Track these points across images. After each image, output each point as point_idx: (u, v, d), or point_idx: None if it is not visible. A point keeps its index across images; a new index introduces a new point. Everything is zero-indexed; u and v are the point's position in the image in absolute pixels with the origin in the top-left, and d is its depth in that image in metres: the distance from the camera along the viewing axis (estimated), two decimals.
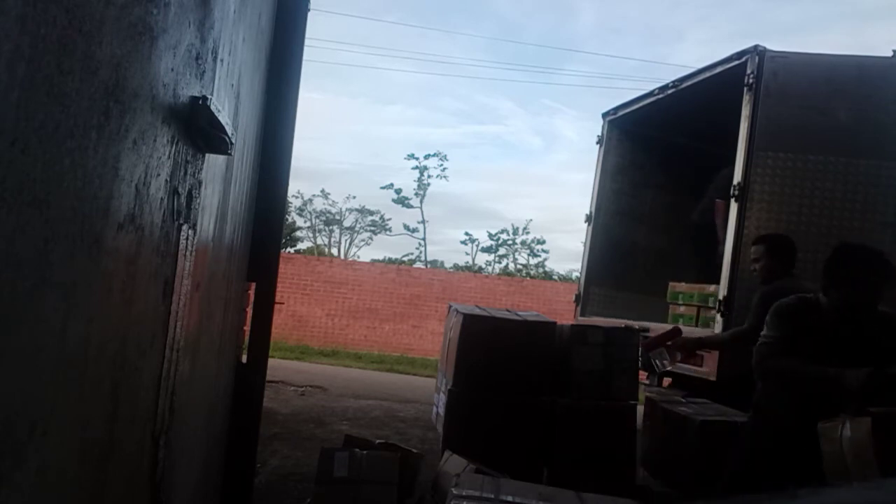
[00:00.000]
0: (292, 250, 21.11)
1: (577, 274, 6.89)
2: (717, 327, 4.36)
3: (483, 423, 3.28)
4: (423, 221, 27.26)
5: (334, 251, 27.83)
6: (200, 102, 1.62)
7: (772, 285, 3.48)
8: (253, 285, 3.05)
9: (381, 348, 13.10)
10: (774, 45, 5.66)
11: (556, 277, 25.78)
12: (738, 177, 4.40)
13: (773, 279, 3.51)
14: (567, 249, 42.54)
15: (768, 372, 2.75)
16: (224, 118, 1.75)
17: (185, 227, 1.67)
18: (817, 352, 2.58)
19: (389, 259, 26.86)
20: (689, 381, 4.50)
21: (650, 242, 6.34)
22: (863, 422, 2.33)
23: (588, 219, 6.23)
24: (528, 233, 28.07)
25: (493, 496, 2.15)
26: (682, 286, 5.37)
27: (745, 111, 4.41)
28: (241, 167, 2.54)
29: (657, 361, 3.76)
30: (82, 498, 1.23)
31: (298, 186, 27.06)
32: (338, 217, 28.24)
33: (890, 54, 4.37)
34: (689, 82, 5.11)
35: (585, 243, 6.28)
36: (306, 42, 3.19)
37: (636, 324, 4.84)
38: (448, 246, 45.27)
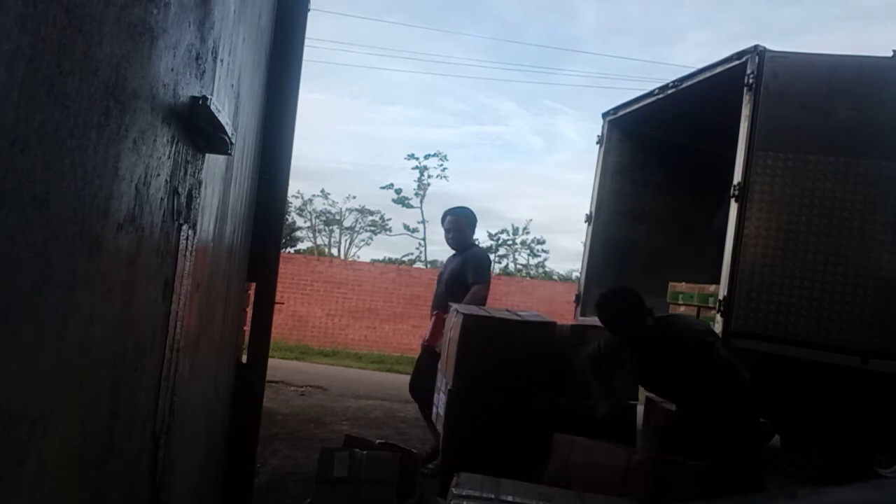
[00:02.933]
0: (292, 250, 21.11)
1: (577, 274, 6.88)
2: (718, 327, 4.36)
3: (483, 423, 3.28)
4: (423, 221, 27.22)
5: (334, 251, 27.84)
6: (200, 102, 1.62)
7: (473, 249, 4.34)
8: (253, 285, 3.05)
9: (381, 348, 13.09)
10: (775, 45, 5.66)
11: (556, 277, 25.79)
12: (738, 177, 4.40)
13: (467, 247, 4.32)
14: (567, 249, 42.51)
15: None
16: (224, 118, 1.75)
17: (185, 227, 1.67)
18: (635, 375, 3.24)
19: (389, 259, 26.86)
20: None
21: (650, 242, 6.34)
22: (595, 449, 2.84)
23: (588, 219, 6.22)
24: (528, 233, 28.05)
25: (493, 496, 2.15)
26: (682, 286, 5.37)
27: (745, 111, 4.40)
28: (241, 167, 2.54)
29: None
30: (82, 498, 1.23)
31: (298, 186, 27.02)
32: (338, 217, 28.23)
33: (890, 54, 4.36)
34: (690, 82, 5.11)
35: (585, 243, 6.28)
36: (307, 42, 3.18)
37: None
38: (448, 246, 45.13)
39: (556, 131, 45.14)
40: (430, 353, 4.13)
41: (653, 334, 2.96)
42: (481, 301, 4.08)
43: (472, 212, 4.47)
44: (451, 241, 4.40)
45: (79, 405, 1.15)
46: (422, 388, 4.16)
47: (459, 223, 4.38)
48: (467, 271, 4.15)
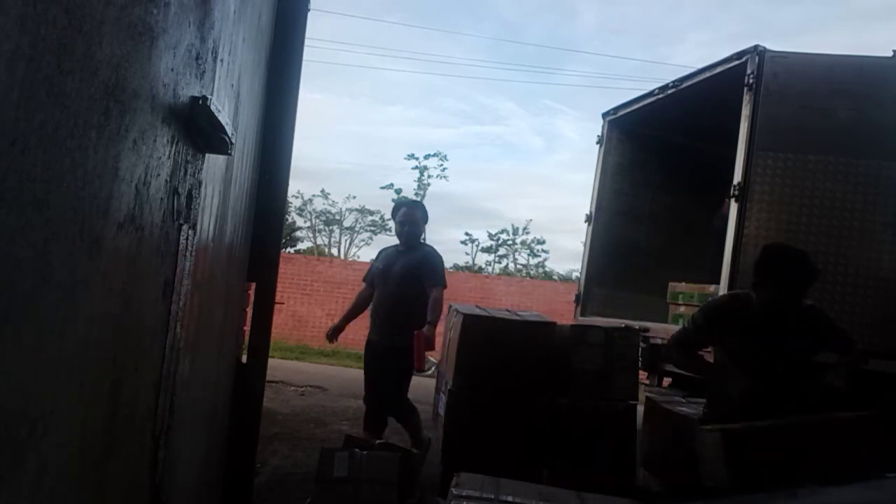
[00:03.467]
0: (292, 250, 21.11)
1: (577, 274, 6.88)
2: None
3: (483, 423, 3.28)
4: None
5: (334, 251, 27.84)
6: (200, 102, 1.62)
7: (426, 248, 4.29)
8: (253, 285, 3.05)
9: None
10: (775, 45, 5.66)
11: (556, 277, 25.80)
12: (738, 177, 4.40)
13: (418, 244, 4.26)
14: (567, 249, 42.58)
15: (672, 357, 3.12)
16: (224, 118, 1.75)
17: (185, 227, 1.67)
18: (743, 345, 2.87)
19: None
20: (690, 381, 4.50)
21: (650, 242, 6.34)
22: (711, 436, 2.55)
23: (588, 219, 6.22)
24: (528, 233, 28.09)
25: (493, 496, 2.15)
26: (682, 286, 5.38)
27: (745, 111, 4.40)
28: (241, 167, 2.54)
29: (430, 367, 3.87)
30: (82, 498, 1.23)
31: (298, 186, 27.05)
32: (338, 217, 28.25)
33: (890, 54, 4.36)
34: (690, 82, 5.11)
35: (585, 243, 6.28)
36: (307, 42, 3.18)
37: (636, 324, 4.84)
38: (448, 246, 45.06)
39: (556, 131, 45.26)
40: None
41: (805, 301, 2.87)
42: (441, 304, 4.06)
43: (425, 207, 4.43)
44: (405, 236, 4.24)
45: (79, 405, 1.15)
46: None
47: (415, 217, 4.28)
48: (424, 272, 4.06)
